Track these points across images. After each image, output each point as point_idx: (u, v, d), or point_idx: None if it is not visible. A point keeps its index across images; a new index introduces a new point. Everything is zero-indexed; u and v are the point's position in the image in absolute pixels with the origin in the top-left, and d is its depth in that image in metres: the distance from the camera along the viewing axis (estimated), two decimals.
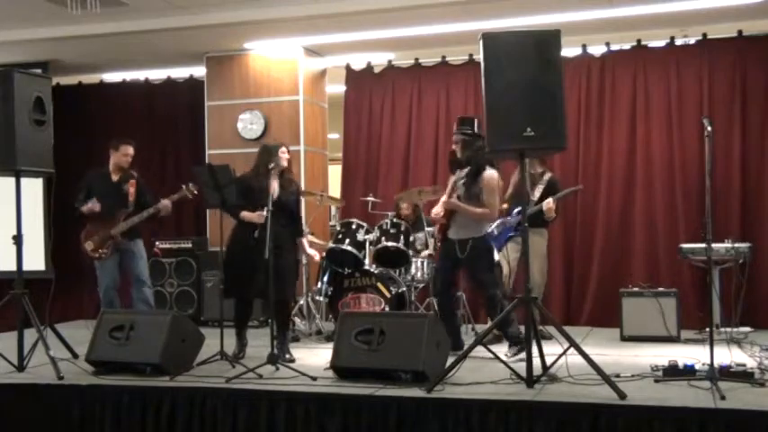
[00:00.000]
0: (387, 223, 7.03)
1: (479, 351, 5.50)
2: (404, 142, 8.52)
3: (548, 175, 6.84)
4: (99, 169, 6.88)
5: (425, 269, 7.04)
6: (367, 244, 6.98)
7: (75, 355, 5.86)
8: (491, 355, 5.51)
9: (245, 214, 5.81)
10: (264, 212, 5.47)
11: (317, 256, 6.67)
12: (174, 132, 9.14)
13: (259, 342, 6.06)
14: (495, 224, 6.58)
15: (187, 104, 9.14)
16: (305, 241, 6.32)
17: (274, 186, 5.78)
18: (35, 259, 8.03)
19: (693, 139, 7.52)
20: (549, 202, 6.64)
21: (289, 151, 6.04)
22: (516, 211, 6.50)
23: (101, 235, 6.62)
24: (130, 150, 6.79)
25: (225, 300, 5.92)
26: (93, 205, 6.60)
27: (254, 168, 5.96)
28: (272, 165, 5.68)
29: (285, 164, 5.96)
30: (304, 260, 7.08)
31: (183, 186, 6.54)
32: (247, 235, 5.77)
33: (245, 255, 5.72)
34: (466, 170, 5.89)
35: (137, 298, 6.75)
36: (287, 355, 5.77)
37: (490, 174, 5.83)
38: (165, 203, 6.61)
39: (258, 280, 5.56)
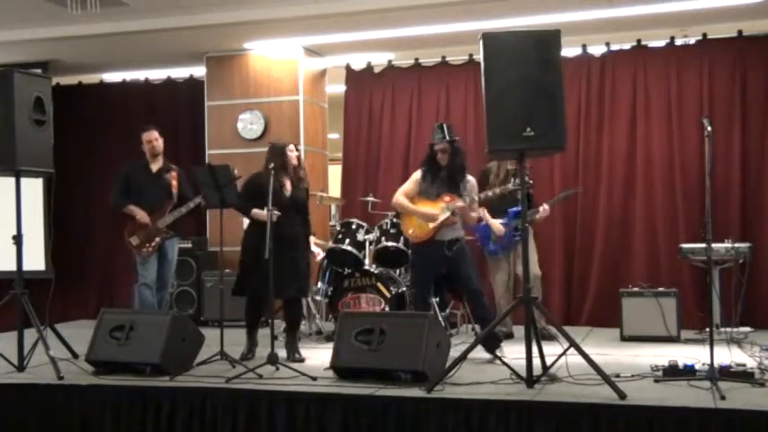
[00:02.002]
0: (387, 223, 7.04)
1: (479, 351, 5.52)
2: (404, 142, 8.52)
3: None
4: (137, 160, 6.75)
5: None
6: (367, 244, 6.98)
7: (76, 355, 5.86)
8: (490, 355, 5.54)
9: (256, 212, 5.80)
10: (274, 211, 5.46)
11: (320, 254, 6.66)
12: (174, 132, 9.14)
13: (259, 342, 6.06)
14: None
15: (187, 104, 9.14)
16: (312, 239, 6.31)
17: (287, 186, 5.82)
18: (35, 259, 8.02)
19: (693, 139, 7.52)
20: (546, 210, 6.67)
21: (297, 150, 6.05)
22: (513, 212, 6.49)
23: (148, 229, 6.50)
24: (150, 136, 6.64)
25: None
26: (141, 216, 6.47)
27: (265, 168, 5.94)
28: (272, 165, 5.68)
29: (295, 162, 5.97)
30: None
31: None
32: (260, 234, 5.71)
33: (257, 254, 5.61)
34: (443, 174, 5.82)
35: (157, 299, 6.72)
36: (296, 355, 5.78)
37: (471, 177, 5.95)
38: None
39: (275, 278, 5.47)
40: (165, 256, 6.67)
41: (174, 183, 6.62)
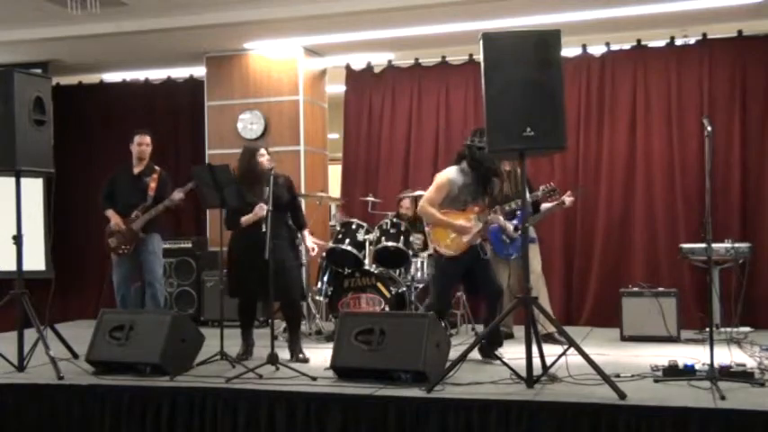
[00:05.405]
0: (387, 223, 7.04)
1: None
2: (404, 142, 8.52)
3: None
4: (122, 166, 6.89)
5: (425, 269, 7.04)
6: (367, 244, 6.98)
7: (76, 355, 5.86)
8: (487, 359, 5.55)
9: (244, 219, 5.78)
10: (263, 206, 5.44)
11: (315, 249, 6.62)
12: (174, 132, 9.15)
13: (259, 342, 6.06)
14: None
15: (187, 104, 9.14)
16: (306, 233, 6.19)
17: (251, 188, 5.78)
18: (35, 259, 8.03)
19: (693, 139, 7.52)
20: (572, 200, 6.65)
21: (268, 151, 5.97)
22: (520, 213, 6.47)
23: (123, 231, 6.63)
24: (143, 139, 6.79)
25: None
26: (114, 222, 6.66)
27: (240, 173, 5.88)
28: (272, 166, 5.67)
29: (267, 165, 5.84)
30: (304, 256, 7.04)
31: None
32: (251, 234, 5.69)
33: (249, 255, 5.62)
34: (476, 180, 5.67)
35: (147, 296, 6.80)
36: (300, 355, 5.77)
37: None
38: (174, 196, 6.59)
39: (264, 280, 5.44)
40: (146, 251, 6.72)
41: (153, 185, 6.70)
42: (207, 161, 8.34)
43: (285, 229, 5.92)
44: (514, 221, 6.58)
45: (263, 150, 5.94)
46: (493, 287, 5.74)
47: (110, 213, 6.73)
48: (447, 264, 5.70)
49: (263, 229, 5.36)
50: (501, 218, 5.81)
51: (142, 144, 6.79)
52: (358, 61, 8.72)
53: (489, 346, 5.55)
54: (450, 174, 5.66)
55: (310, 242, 6.20)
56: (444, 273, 5.78)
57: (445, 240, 5.63)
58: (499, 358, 5.27)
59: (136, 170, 6.81)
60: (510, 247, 6.62)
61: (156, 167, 6.84)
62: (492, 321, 5.66)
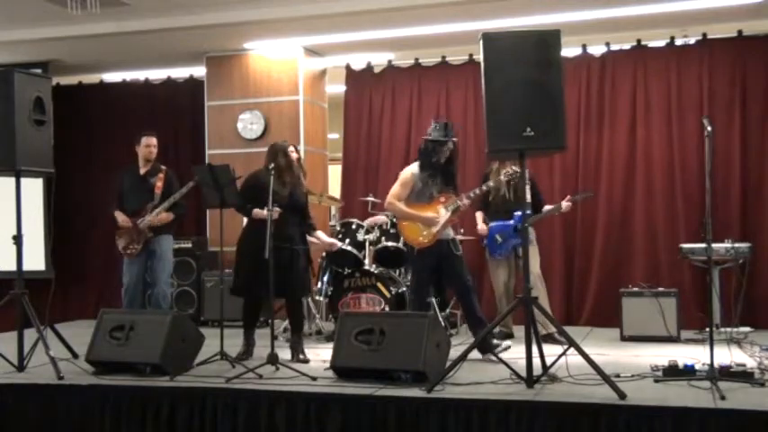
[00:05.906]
0: (387, 223, 7.04)
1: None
2: (404, 142, 8.52)
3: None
4: (129, 166, 6.92)
5: None
6: (367, 244, 6.98)
7: (76, 355, 5.86)
8: (482, 355, 5.54)
9: (258, 211, 5.77)
10: (275, 210, 5.43)
11: (338, 243, 6.55)
12: (174, 132, 9.15)
13: (259, 342, 6.06)
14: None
15: (187, 104, 9.15)
16: (320, 233, 6.19)
17: (286, 187, 5.79)
18: (35, 259, 8.02)
19: (693, 138, 7.53)
20: (568, 206, 6.74)
21: (297, 151, 6.05)
22: (519, 215, 6.46)
23: (130, 231, 6.64)
24: (150, 141, 6.82)
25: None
26: (121, 221, 6.66)
27: (265, 167, 5.93)
28: (272, 166, 5.67)
29: (295, 164, 5.97)
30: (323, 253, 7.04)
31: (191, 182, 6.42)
32: (260, 234, 5.67)
33: (257, 254, 5.50)
34: (438, 173, 5.74)
35: (151, 297, 6.82)
36: (301, 356, 5.77)
37: None
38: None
39: (272, 280, 5.40)
40: (153, 253, 6.72)
41: (159, 184, 6.71)
42: (207, 161, 8.35)
43: (299, 229, 5.95)
44: (513, 222, 6.60)
45: (291, 148, 6.02)
46: (460, 282, 5.78)
47: (116, 214, 6.72)
48: (418, 257, 5.82)
49: (272, 230, 5.36)
50: (464, 204, 5.82)
51: (150, 146, 6.81)
52: (358, 61, 8.72)
53: (483, 342, 5.55)
54: (414, 168, 5.81)
55: (327, 239, 6.32)
56: (416, 266, 5.92)
57: (417, 234, 5.73)
58: (496, 356, 5.27)
59: (142, 171, 6.82)
60: (503, 247, 6.65)
61: (162, 167, 6.85)
62: (470, 316, 5.79)
